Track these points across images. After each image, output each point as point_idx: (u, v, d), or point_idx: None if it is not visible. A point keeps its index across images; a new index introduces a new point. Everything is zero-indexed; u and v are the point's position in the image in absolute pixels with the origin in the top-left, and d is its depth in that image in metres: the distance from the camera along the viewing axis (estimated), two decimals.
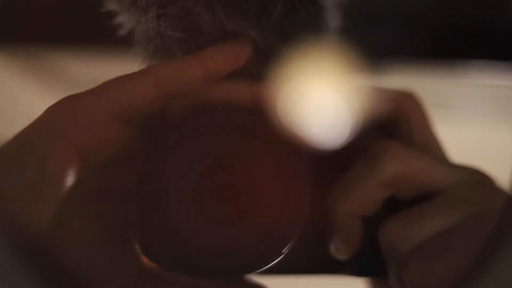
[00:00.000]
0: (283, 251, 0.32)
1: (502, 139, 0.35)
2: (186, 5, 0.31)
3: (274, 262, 0.32)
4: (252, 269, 0.32)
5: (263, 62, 0.32)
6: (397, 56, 0.35)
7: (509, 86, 0.33)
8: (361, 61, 0.33)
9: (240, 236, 0.32)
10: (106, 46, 0.35)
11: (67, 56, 0.34)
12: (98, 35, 0.35)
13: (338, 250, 0.33)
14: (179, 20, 0.31)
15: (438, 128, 0.33)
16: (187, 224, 0.32)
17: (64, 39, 0.35)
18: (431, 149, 0.33)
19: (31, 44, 0.34)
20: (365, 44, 0.35)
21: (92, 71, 0.35)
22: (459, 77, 0.34)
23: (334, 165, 0.33)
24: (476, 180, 0.31)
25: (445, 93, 0.35)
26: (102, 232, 0.31)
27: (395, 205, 0.32)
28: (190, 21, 0.31)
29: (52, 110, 0.29)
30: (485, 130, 0.37)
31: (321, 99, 0.31)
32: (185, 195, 0.32)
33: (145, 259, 0.33)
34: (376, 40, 0.35)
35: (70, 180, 0.28)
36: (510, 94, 0.35)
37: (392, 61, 0.35)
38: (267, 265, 0.32)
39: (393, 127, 0.32)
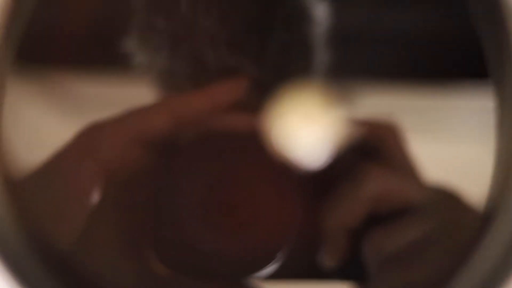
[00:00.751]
0: (277, 257, 0.36)
1: (477, 158, 0.38)
2: (195, 46, 0.36)
3: (269, 267, 0.36)
4: (251, 272, 0.37)
5: (259, 95, 0.36)
6: (376, 78, 0.39)
7: (483, 104, 0.37)
8: (342, 89, 0.37)
9: (239, 244, 0.37)
10: (121, 70, 0.39)
11: (85, 80, 0.38)
12: (114, 60, 0.39)
13: (327, 258, 0.37)
14: (188, 58, 0.36)
15: (415, 147, 0.37)
16: (196, 233, 0.37)
17: (84, 63, 0.39)
18: (407, 169, 0.37)
19: (53, 67, 0.38)
20: (346, 67, 0.39)
21: (107, 93, 0.39)
22: (435, 98, 0.39)
23: (321, 184, 0.37)
24: (445, 197, 0.36)
25: (423, 114, 0.39)
26: (122, 242, 0.35)
27: (373, 219, 0.37)
28: (198, 59, 0.36)
29: (81, 135, 0.33)
30: (461, 149, 0.40)
31: (308, 127, 0.36)
32: (194, 209, 0.37)
33: (159, 265, 0.37)
34: (355, 62, 0.39)
35: (97, 196, 0.33)
36: (484, 113, 0.38)
37: (371, 83, 0.39)
38: (262, 269, 0.36)
39: (372, 151, 0.37)
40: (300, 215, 0.36)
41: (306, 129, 0.36)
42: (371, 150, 0.36)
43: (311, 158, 0.36)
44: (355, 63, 0.38)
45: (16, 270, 0.28)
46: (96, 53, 0.38)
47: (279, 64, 0.37)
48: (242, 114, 0.36)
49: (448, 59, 0.37)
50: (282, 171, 0.36)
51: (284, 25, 0.37)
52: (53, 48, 0.37)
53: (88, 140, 0.34)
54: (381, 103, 0.38)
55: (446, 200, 0.35)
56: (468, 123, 0.38)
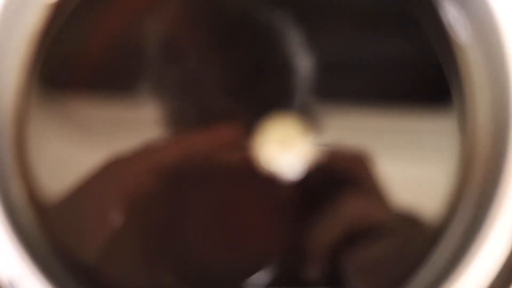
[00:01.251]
0: (267, 266, 0.40)
1: (436, 178, 0.42)
2: (196, 89, 0.41)
3: (259, 275, 0.40)
4: (244, 279, 0.40)
5: (248, 128, 0.40)
6: (349, 103, 0.40)
7: (446, 127, 0.41)
8: (317, 114, 0.40)
9: (233, 256, 0.41)
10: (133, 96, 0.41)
11: (99, 105, 0.40)
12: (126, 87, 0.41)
13: (310, 270, 0.43)
14: (189, 99, 0.41)
15: (384, 166, 0.40)
16: (199, 248, 0.41)
17: (97, 89, 0.40)
18: (376, 195, 0.42)
19: (70, 93, 0.40)
20: (320, 94, 0.41)
21: (119, 117, 0.40)
22: (402, 121, 0.40)
23: (304, 205, 0.41)
24: (405, 217, 0.41)
25: (391, 136, 0.41)
26: (139, 256, 0.41)
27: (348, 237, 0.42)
28: (198, 100, 0.41)
29: (105, 167, 0.39)
30: (423, 169, 0.43)
31: (288, 155, 0.41)
32: (197, 226, 0.41)
33: (169, 275, 0.41)
34: (328, 88, 0.40)
35: (120, 219, 0.39)
36: (446, 136, 0.41)
37: (345, 108, 0.41)
38: (252, 276, 0.40)
39: (345, 179, 0.42)
40: (286, 232, 0.40)
41: (286, 156, 0.40)
42: (344, 178, 0.41)
43: (292, 181, 0.40)
44: (328, 89, 0.41)
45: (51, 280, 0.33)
46: (109, 81, 0.41)
47: (265, 101, 0.41)
48: (234, 147, 0.41)
49: (413, 85, 0.41)
50: (270, 195, 0.41)
51: (272, 73, 0.41)
52: (69, 75, 0.40)
53: (112, 171, 0.38)
54: (354, 126, 0.41)
55: (405, 220, 0.40)
56: (430, 144, 0.40)
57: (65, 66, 0.40)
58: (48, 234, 0.37)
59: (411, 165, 0.41)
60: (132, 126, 0.40)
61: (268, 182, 0.40)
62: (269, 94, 0.41)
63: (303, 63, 0.40)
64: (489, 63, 0.37)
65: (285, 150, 0.40)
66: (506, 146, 0.34)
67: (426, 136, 0.40)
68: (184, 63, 0.40)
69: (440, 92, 0.40)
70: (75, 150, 0.39)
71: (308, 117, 0.40)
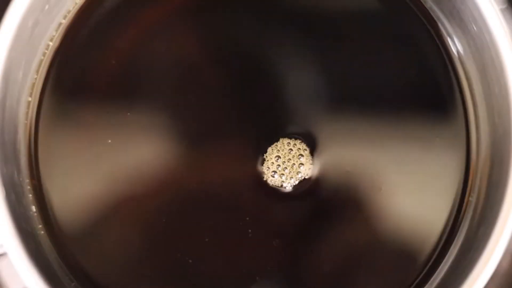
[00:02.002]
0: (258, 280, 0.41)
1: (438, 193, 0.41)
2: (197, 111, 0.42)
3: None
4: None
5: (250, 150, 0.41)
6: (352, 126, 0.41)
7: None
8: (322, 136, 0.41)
9: (230, 268, 0.41)
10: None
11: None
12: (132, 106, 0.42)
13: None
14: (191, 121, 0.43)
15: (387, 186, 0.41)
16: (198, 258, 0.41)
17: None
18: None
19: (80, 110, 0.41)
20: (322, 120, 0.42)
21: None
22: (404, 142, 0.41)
23: (298, 224, 0.41)
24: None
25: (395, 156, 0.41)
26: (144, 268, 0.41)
27: None
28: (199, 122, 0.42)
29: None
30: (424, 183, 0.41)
31: (289, 176, 0.40)
32: (199, 240, 0.41)
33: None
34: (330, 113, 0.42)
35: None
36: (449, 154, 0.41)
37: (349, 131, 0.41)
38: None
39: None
40: (286, 247, 0.41)
41: (287, 177, 0.41)
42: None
43: (290, 201, 0.41)
44: (332, 111, 0.42)
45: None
46: (121, 95, 0.42)
47: (271, 123, 0.42)
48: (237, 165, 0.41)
49: (415, 99, 0.42)
50: (272, 210, 0.41)
51: (276, 98, 0.42)
52: (81, 89, 0.42)
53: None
54: (357, 143, 0.41)
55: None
56: (434, 160, 0.41)
57: (77, 81, 0.42)
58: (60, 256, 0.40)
59: (415, 181, 0.42)
60: (142, 139, 0.41)
61: (271, 198, 0.41)
62: (274, 117, 0.42)
63: (307, 87, 0.42)
64: (484, 76, 0.39)
65: (288, 169, 0.41)
66: (509, 157, 0.35)
67: (429, 150, 0.41)
68: (193, 84, 0.42)
69: (441, 105, 0.42)
70: (86, 164, 0.41)
71: (312, 138, 0.42)
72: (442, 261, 0.40)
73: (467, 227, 0.40)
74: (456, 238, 0.40)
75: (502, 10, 0.39)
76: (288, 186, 0.41)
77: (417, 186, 0.41)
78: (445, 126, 0.41)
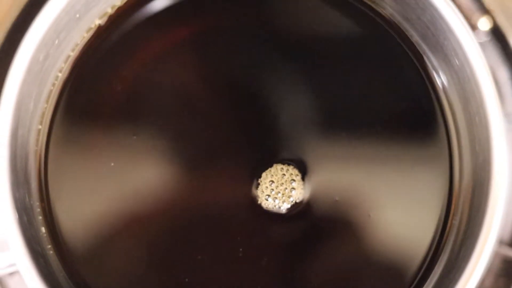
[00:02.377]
0: None
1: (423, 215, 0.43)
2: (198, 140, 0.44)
3: None
4: None
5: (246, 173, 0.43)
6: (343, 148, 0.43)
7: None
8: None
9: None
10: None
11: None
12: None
13: None
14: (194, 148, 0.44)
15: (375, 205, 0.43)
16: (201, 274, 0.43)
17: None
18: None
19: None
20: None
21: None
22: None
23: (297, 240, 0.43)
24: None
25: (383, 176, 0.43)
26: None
27: None
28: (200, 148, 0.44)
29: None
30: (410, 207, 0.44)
31: (283, 198, 0.42)
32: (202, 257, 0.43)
33: None
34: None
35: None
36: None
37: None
38: None
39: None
40: (279, 265, 0.43)
41: (280, 200, 0.43)
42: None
43: (283, 223, 0.43)
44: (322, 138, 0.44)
45: None
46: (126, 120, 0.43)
47: (265, 149, 0.44)
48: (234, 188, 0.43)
49: (402, 126, 0.44)
50: (265, 230, 0.43)
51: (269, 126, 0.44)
52: (90, 113, 0.43)
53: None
54: (346, 167, 0.43)
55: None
56: (419, 184, 0.43)
57: (85, 109, 0.43)
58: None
59: (400, 205, 0.44)
60: (145, 163, 0.43)
61: (265, 221, 0.43)
62: (268, 144, 0.44)
63: (299, 116, 0.44)
64: (466, 107, 0.41)
65: (281, 193, 0.43)
66: (489, 183, 0.37)
67: (415, 176, 0.43)
68: (193, 112, 0.44)
69: (426, 133, 0.43)
70: (92, 187, 0.43)
71: (303, 164, 0.43)
72: (426, 280, 0.42)
73: (450, 248, 0.42)
74: (440, 258, 0.42)
75: (484, 43, 0.42)
76: (281, 209, 0.43)
77: (404, 210, 0.43)
78: (430, 154, 0.43)
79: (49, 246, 0.41)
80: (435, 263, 0.42)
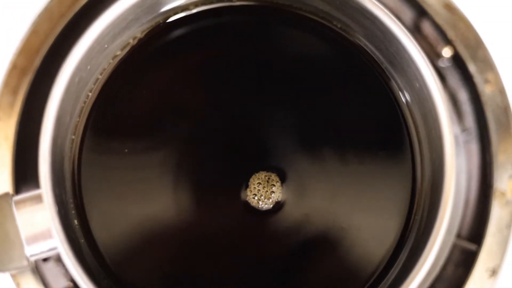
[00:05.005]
0: None
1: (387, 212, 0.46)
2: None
3: None
4: None
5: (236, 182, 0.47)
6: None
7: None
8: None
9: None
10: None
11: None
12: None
13: None
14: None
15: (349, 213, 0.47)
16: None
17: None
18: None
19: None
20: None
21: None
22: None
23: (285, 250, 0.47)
24: None
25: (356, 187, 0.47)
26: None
27: None
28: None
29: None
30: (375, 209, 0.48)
31: (268, 204, 0.47)
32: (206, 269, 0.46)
33: None
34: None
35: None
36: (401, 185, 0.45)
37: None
38: None
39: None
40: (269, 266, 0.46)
41: (264, 198, 0.47)
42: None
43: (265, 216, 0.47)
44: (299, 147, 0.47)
45: None
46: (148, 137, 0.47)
47: (253, 160, 0.48)
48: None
49: (371, 138, 0.47)
50: (256, 231, 0.47)
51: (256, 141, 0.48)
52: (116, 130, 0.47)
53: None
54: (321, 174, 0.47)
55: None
56: (385, 186, 0.46)
57: (111, 123, 0.47)
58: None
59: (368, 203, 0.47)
60: (161, 169, 0.47)
61: (251, 215, 0.47)
62: (255, 156, 0.48)
63: (281, 135, 0.48)
64: (426, 121, 0.44)
65: (267, 196, 0.47)
66: (442, 184, 0.41)
67: (383, 180, 0.47)
68: (198, 128, 0.48)
69: (393, 143, 0.47)
70: (117, 188, 0.46)
71: (282, 171, 0.48)
72: (393, 266, 0.45)
73: (414, 238, 0.45)
74: (405, 247, 0.46)
75: (447, 68, 0.45)
76: (263, 206, 0.47)
77: (374, 208, 0.47)
78: (396, 161, 0.47)
79: (81, 235, 0.45)
80: (400, 251, 0.45)
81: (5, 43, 0.52)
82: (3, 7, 0.54)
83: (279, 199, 0.47)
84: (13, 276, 0.42)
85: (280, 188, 0.47)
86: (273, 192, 0.47)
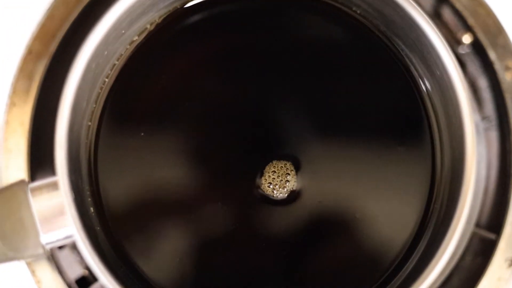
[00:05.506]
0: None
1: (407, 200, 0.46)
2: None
3: None
4: None
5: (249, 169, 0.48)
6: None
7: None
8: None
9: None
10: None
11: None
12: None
13: None
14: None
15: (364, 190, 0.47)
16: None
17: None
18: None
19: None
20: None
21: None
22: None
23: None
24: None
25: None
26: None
27: None
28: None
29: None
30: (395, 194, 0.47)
31: (279, 194, 0.47)
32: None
33: None
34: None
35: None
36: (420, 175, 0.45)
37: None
38: None
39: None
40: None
41: (279, 187, 0.47)
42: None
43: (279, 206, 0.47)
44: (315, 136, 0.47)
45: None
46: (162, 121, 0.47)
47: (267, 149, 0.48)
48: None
49: (390, 125, 0.47)
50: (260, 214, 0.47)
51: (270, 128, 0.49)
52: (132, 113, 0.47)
53: None
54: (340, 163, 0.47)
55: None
56: (405, 172, 0.46)
57: (127, 109, 0.47)
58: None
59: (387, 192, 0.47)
60: (174, 155, 0.47)
61: (265, 204, 0.47)
62: (271, 145, 0.48)
63: (298, 125, 0.48)
64: (446, 110, 0.44)
65: (279, 183, 0.47)
66: (462, 173, 0.40)
67: (403, 168, 0.47)
68: (216, 118, 0.48)
69: (413, 132, 0.47)
70: (132, 175, 0.46)
71: (297, 160, 0.48)
72: (412, 254, 0.45)
73: (433, 227, 0.45)
74: (424, 236, 0.45)
75: (467, 55, 0.45)
76: (278, 195, 0.47)
77: (394, 197, 0.47)
78: (416, 149, 0.47)
79: (97, 223, 0.45)
80: (420, 240, 0.45)
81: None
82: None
83: (294, 188, 0.47)
84: (28, 263, 0.42)
85: (295, 177, 0.47)
86: (288, 181, 0.47)
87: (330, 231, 0.47)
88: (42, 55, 0.44)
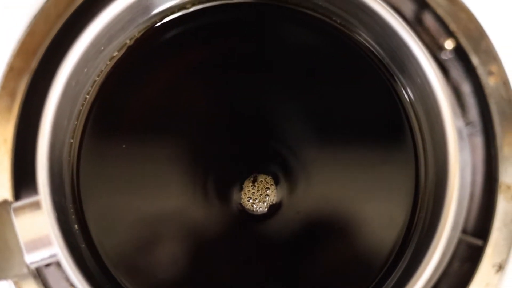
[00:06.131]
0: None
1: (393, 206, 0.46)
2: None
3: None
4: None
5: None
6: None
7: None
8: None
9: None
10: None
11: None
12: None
13: None
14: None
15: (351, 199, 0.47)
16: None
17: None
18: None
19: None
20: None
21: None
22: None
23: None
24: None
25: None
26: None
27: None
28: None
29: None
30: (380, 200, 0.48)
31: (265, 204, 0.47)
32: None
33: None
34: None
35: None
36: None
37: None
38: None
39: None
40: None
41: (259, 201, 0.47)
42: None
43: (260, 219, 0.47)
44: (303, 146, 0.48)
45: None
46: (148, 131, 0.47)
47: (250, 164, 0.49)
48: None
49: (375, 134, 0.47)
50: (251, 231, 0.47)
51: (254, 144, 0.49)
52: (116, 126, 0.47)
53: None
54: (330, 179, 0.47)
55: None
56: (390, 181, 0.47)
57: (109, 125, 0.47)
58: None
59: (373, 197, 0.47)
60: (160, 170, 0.48)
61: (246, 217, 0.48)
62: (251, 160, 0.49)
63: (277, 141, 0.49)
64: (429, 118, 0.44)
65: (259, 196, 0.48)
66: (446, 180, 0.41)
67: (388, 177, 0.47)
68: (199, 128, 0.48)
69: (397, 140, 0.47)
70: (116, 192, 0.47)
71: (276, 175, 0.48)
72: (398, 263, 0.46)
73: (418, 236, 0.45)
74: (409, 245, 0.46)
75: (450, 60, 0.44)
76: (258, 209, 0.47)
77: (379, 206, 0.47)
78: (400, 158, 0.47)
79: (81, 240, 0.45)
80: (406, 248, 0.46)
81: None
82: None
83: (274, 202, 0.48)
84: (15, 282, 0.42)
85: (274, 191, 0.48)
86: (267, 195, 0.48)
87: (312, 244, 0.47)
88: (23, 72, 0.43)
